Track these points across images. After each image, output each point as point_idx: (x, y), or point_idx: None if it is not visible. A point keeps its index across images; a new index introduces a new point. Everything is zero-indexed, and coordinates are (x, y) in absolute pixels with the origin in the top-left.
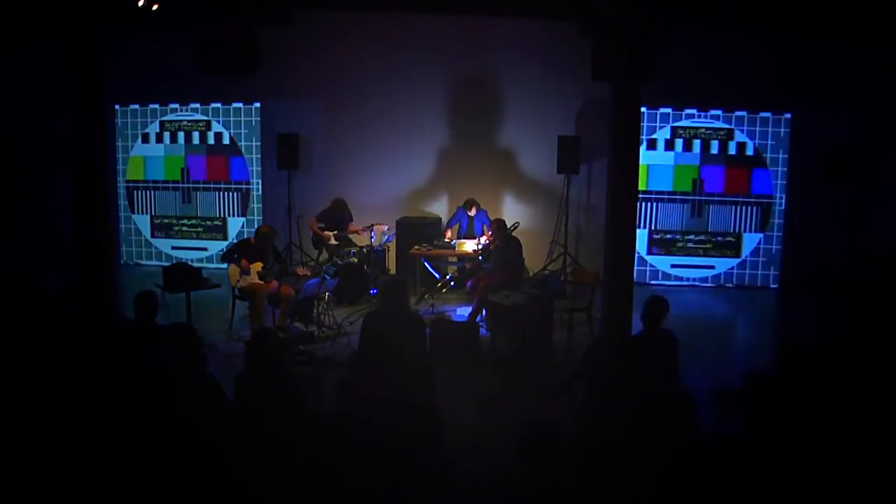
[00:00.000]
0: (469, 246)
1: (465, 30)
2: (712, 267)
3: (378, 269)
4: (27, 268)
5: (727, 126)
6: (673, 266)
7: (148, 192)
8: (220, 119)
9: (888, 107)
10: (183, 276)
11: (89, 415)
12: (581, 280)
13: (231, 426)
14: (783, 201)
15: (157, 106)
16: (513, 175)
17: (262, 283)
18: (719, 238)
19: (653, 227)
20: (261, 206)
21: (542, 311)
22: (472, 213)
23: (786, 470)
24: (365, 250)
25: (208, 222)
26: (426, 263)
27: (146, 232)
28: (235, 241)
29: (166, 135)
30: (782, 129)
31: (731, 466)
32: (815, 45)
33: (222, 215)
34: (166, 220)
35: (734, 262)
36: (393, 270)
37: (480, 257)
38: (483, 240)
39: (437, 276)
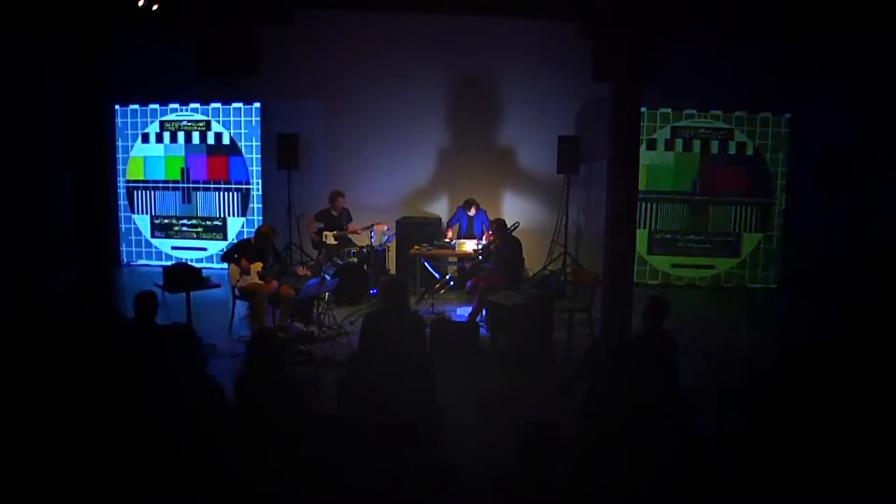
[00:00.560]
0: (469, 246)
1: (465, 30)
2: (712, 267)
3: (378, 269)
4: (27, 268)
5: (727, 126)
6: (673, 266)
7: (148, 192)
8: (220, 119)
9: (888, 107)
10: (183, 276)
11: (89, 415)
12: (581, 280)
13: (231, 426)
14: (783, 201)
15: (157, 106)
16: (513, 175)
17: (262, 283)
18: (719, 238)
19: (653, 227)
20: (261, 206)
21: (542, 311)
22: (472, 213)
23: (786, 470)
24: (365, 250)
25: (208, 222)
26: (426, 263)
27: (146, 232)
28: (235, 241)
29: (166, 135)
30: (782, 129)
31: (731, 466)
32: (815, 45)
33: (222, 215)
34: (166, 221)
35: (734, 262)
36: (393, 270)
37: (480, 257)
38: (483, 240)
39: (437, 276)
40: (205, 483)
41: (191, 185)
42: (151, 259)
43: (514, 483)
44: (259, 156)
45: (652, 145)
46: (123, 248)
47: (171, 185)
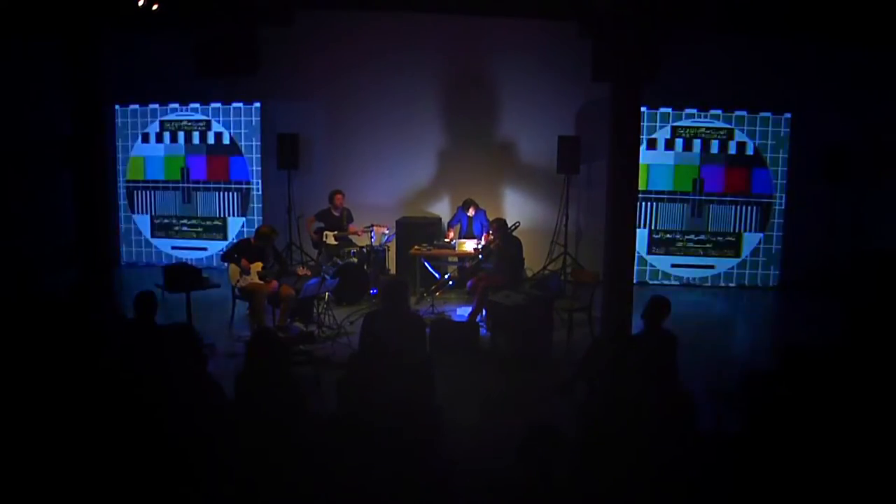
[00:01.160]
0: (469, 246)
1: (465, 30)
2: (712, 267)
3: (378, 269)
4: (28, 268)
5: (727, 126)
6: (673, 266)
7: (148, 192)
8: (220, 119)
9: (888, 107)
10: (183, 276)
11: (89, 415)
12: (581, 280)
13: (231, 426)
14: (783, 201)
15: (157, 106)
16: (513, 175)
17: (262, 283)
18: (719, 238)
19: (653, 227)
20: (261, 206)
21: (542, 311)
22: (471, 213)
23: (785, 470)
24: (365, 250)
25: (208, 222)
26: (426, 263)
27: (146, 232)
28: (235, 240)
29: (166, 135)
30: (782, 129)
31: (731, 466)
32: (815, 45)
33: (222, 215)
34: (166, 220)
35: (734, 261)
36: (393, 270)
37: (480, 256)
38: (483, 240)
39: (437, 276)
40: (205, 483)
41: (191, 185)
42: (151, 259)
43: (514, 483)
44: (259, 156)
45: (652, 145)
46: (123, 248)
47: (171, 185)
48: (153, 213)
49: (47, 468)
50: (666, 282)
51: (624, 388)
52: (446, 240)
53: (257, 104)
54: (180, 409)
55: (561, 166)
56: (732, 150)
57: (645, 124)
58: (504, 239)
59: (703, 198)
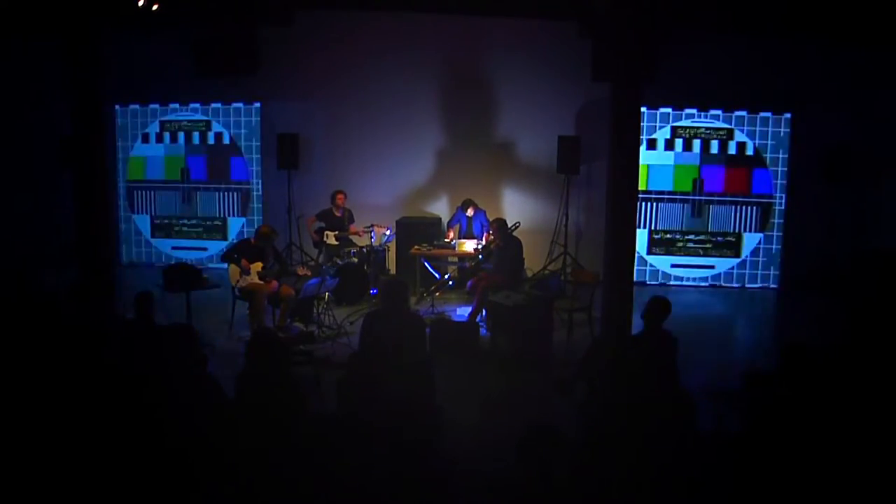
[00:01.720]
0: (469, 246)
1: (465, 30)
2: (712, 267)
3: (378, 269)
4: (27, 268)
5: (727, 126)
6: (673, 266)
7: (148, 192)
8: (220, 119)
9: (888, 107)
10: (183, 276)
11: (89, 415)
12: (581, 280)
13: (231, 426)
14: (783, 201)
15: (157, 106)
16: (513, 175)
17: (262, 283)
18: (719, 238)
19: (653, 227)
20: (261, 206)
21: (542, 311)
22: (470, 213)
23: (786, 470)
24: (365, 250)
25: (208, 222)
26: (426, 263)
27: (146, 232)
28: (235, 241)
29: (166, 135)
30: (782, 129)
31: (731, 466)
32: (815, 45)
33: (222, 215)
34: (166, 220)
35: (734, 262)
36: (393, 270)
37: (480, 257)
38: (483, 240)
39: (437, 276)
40: (205, 483)
41: (191, 185)
42: (151, 259)
43: (514, 483)
44: (259, 156)
45: (652, 145)
46: (123, 248)
47: (171, 185)
48: (153, 213)
49: (47, 468)
50: (666, 282)
51: (624, 388)
52: (446, 240)
53: (257, 104)
54: (180, 409)
55: (561, 166)
56: (732, 150)
57: (645, 124)
58: (504, 239)
59: (703, 198)
